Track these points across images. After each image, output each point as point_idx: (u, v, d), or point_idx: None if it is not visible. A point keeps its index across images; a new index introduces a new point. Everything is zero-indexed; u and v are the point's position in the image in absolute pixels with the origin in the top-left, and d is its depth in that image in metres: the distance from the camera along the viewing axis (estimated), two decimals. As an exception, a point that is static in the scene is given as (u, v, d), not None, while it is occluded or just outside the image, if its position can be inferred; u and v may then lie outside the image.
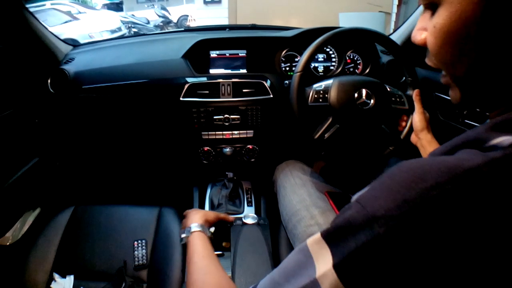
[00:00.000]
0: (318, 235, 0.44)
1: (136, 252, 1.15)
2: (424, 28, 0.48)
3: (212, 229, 1.17)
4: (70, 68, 1.35)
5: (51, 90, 1.33)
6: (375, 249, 0.37)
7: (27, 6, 1.23)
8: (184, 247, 0.92)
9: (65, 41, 1.53)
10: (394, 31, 1.55)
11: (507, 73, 0.41)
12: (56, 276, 1.10)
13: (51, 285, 1.08)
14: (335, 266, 0.40)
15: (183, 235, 0.94)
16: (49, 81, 1.34)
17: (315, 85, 1.13)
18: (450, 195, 0.36)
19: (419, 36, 0.49)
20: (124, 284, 1.06)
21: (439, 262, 0.36)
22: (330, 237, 0.43)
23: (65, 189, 1.71)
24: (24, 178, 1.33)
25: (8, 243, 1.33)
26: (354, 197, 0.44)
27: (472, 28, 0.40)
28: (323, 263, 0.41)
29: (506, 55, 0.40)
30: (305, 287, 0.42)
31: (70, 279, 1.10)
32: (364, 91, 1.09)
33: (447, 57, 0.45)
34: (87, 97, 1.35)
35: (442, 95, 1.25)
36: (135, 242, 1.17)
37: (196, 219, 0.99)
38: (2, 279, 1.19)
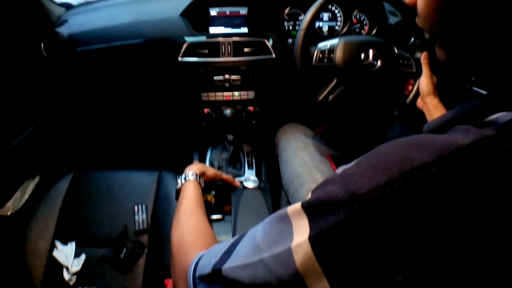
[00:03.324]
0: (298, 205, 0.44)
1: (136, 217, 1.14)
2: None
3: (213, 193, 1.16)
4: (63, 30, 1.29)
5: (45, 54, 1.28)
6: (352, 227, 0.37)
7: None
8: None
9: (58, 4, 1.45)
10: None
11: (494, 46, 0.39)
12: (57, 243, 1.10)
13: (53, 253, 1.08)
14: (311, 239, 0.39)
15: (178, 181, 0.98)
16: (42, 45, 1.28)
17: (320, 44, 1.08)
18: (434, 178, 0.34)
19: None
20: (125, 249, 1.06)
21: (414, 245, 0.35)
22: (310, 209, 0.42)
23: (64, 155, 1.69)
24: (21, 146, 1.30)
25: (9, 213, 1.32)
26: (339, 170, 0.43)
27: None
28: (301, 233, 0.41)
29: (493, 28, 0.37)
30: (279, 255, 0.42)
31: (71, 246, 1.10)
32: (371, 52, 1.05)
33: (434, 21, 0.43)
34: (82, 60, 1.31)
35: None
36: (135, 207, 1.16)
37: (193, 168, 1.01)
38: (4, 249, 1.19)
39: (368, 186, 0.37)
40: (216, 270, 0.49)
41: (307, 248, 0.39)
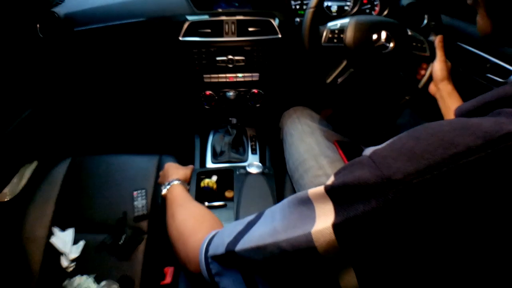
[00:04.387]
0: (321, 189, 0.40)
1: (136, 203, 1.12)
2: None
3: (215, 178, 1.12)
4: (60, 10, 1.25)
5: (41, 35, 1.23)
6: (384, 217, 0.33)
7: None
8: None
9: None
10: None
11: None
12: (55, 229, 1.09)
13: (51, 239, 1.07)
14: (335, 226, 0.36)
15: (163, 189, 0.95)
16: (38, 25, 1.23)
17: (329, 24, 1.04)
18: (482, 163, 0.31)
19: None
20: (124, 235, 1.04)
21: (454, 240, 0.32)
22: (336, 193, 0.38)
23: (62, 139, 1.66)
24: (18, 131, 1.28)
25: (6, 199, 1.30)
26: (368, 152, 0.39)
27: None
28: (324, 219, 0.37)
29: None
30: (298, 239, 0.39)
31: (70, 232, 1.09)
32: (383, 33, 0.99)
33: None
34: (79, 40, 1.27)
35: (465, 46, 1.15)
36: (135, 192, 1.14)
37: (176, 175, 1.01)
38: (2, 236, 1.17)
39: (405, 171, 0.33)
40: (230, 251, 0.47)
41: (330, 236, 0.36)
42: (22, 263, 1.04)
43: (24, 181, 1.38)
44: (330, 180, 0.40)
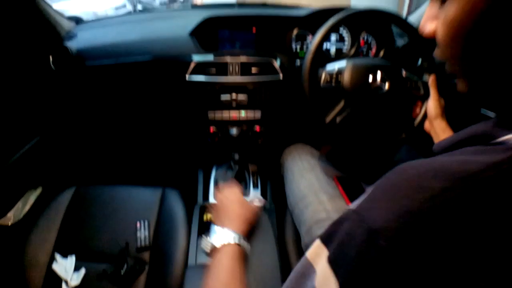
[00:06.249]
0: (324, 262, 0.41)
1: (138, 233, 1.13)
2: (433, 17, 0.45)
3: None
4: (72, 44, 1.31)
5: (53, 67, 1.28)
6: (378, 262, 0.35)
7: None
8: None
9: (68, 18, 1.47)
10: (409, 13, 1.48)
11: None
12: (57, 256, 1.09)
13: (53, 266, 1.07)
14: (341, 285, 0.37)
15: (214, 239, 0.83)
16: (50, 58, 1.29)
17: (328, 67, 1.08)
18: (455, 203, 0.34)
19: (428, 27, 0.46)
20: (126, 265, 1.04)
21: (441, 271, 0.34)
22: (336, 262, 0.40)
23: (67, 168, 1.69)
24: (25, 157, 1.31)
25: (9, 223, 1.31)
26: (352, 206, 0.41)
27: (484, 21, 0.36)
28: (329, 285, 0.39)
29: None
30: None
31: (71, 260, 1.09)
32: (379, 75, 1.04)
33: (456, 50, 0.42)
34: (90, 75, 1.32)
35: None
36: (138, 223, 1.15)
37: (238, 221, 0.91)
38: (3, 260, 1.18)
39: (386, 218, 0.35)
40: None
41: None
42: (23, 287, 1.04)
43: (28, 206, 1.40)
44: (332, 247, 0.41)
